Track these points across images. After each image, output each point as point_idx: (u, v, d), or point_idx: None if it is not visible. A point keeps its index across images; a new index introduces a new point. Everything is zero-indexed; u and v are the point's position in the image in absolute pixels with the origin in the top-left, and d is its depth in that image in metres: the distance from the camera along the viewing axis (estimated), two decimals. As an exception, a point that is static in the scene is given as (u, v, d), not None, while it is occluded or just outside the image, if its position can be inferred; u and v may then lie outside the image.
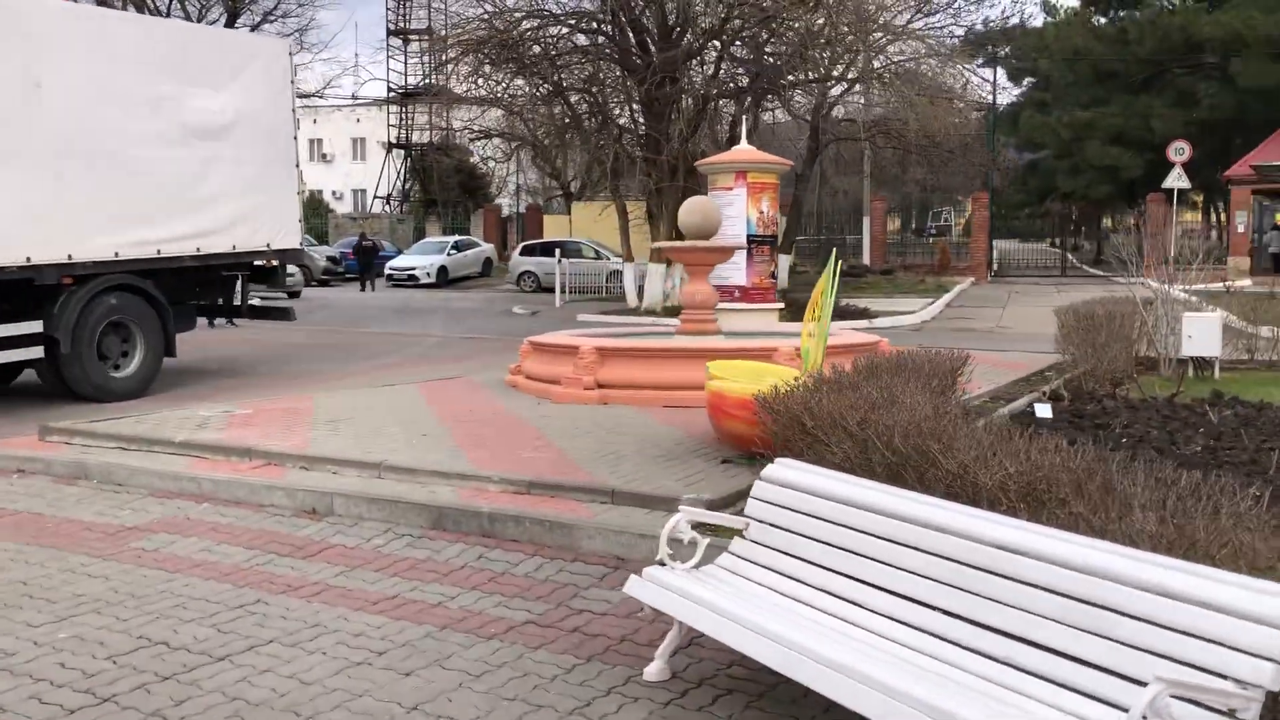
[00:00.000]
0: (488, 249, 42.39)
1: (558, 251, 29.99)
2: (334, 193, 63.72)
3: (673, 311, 23.32)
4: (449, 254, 39.06)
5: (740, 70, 24.00)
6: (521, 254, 36.51)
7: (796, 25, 22.87)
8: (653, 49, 23.02)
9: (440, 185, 49.49)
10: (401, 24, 51.71)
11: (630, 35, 23.39)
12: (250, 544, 6.52)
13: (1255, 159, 36.99)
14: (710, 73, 23.93)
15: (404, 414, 9.77)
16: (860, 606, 4.07)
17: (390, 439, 8.45)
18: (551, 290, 33.29)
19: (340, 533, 6.67)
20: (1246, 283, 25.72)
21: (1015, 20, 44.80)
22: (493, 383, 12.20)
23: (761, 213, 16.40)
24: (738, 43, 22.99)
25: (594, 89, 24.44)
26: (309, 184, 61.08)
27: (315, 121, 64.38)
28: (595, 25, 24.01)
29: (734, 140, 26.00)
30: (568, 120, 25.50)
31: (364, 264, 36.59)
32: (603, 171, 23.70)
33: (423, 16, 50.72)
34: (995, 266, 40.52)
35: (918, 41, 29.09)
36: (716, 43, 22.85)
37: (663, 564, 4.57)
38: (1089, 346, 12.05)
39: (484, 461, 7.54)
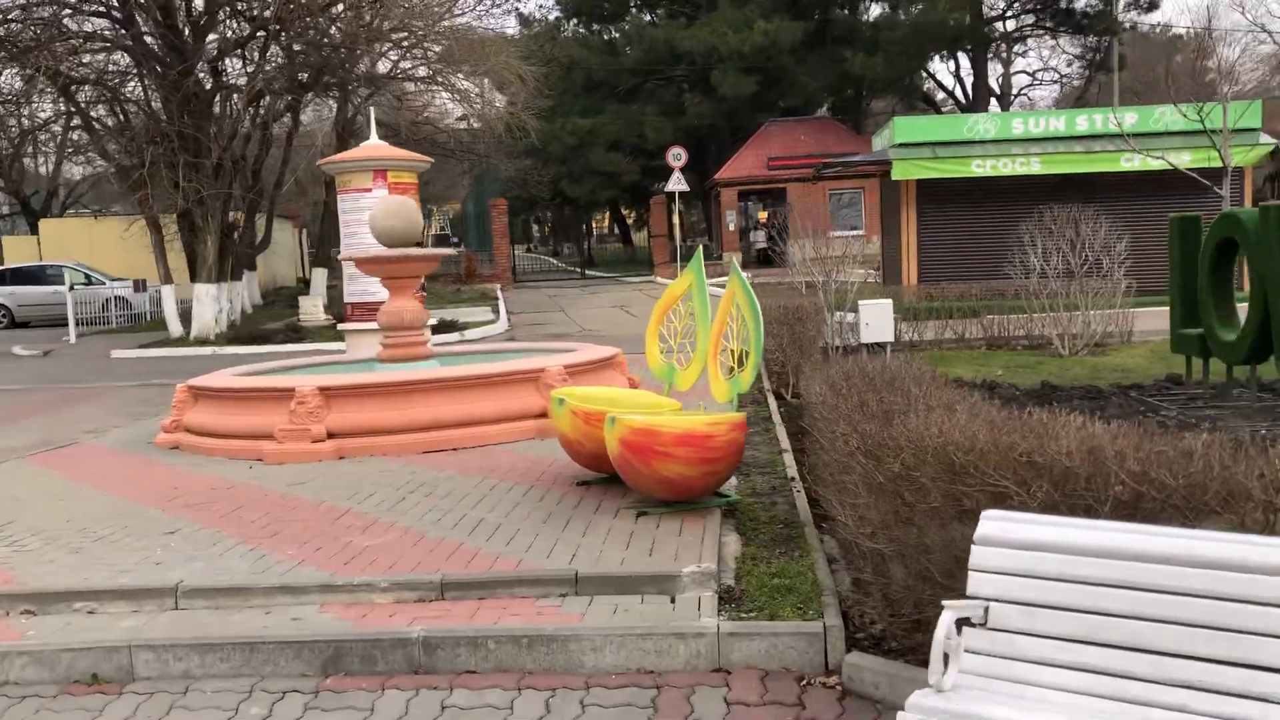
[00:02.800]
0: (-80, 283, 34.80)
1: (68, 277, 25.33)
2: None
3: (231, 339, 20.31)
4: None
5: (291, 62, 21.39)
6: (-15, 284, 30.55)
7: (352, 14, 20.84)
8: (184, 38, 19.76)
9: None
10: None
11: (152, 20, 19.85)
12: (35, 760, 3.95)
13: (735, 163, 40.62)
14: (255, 66, 21.02)
15: (84, 505, 6.94)
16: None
17: (123, 546, 5.82)
18: (28, 325, 29.71)
19: (178, 708, 4.27)
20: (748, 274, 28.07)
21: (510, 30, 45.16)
22: (138, 444, 9.37)
23: (406, 217, 14.38)
24: (290, 34, 20.39)
25: (114, 82, 20.52)
26: None
27: None
28: (105, 8, 20.12)
29: (265, 133, 23.33)
30: (71, 118, 21.32)
31: None
32: (132, 182, 19.88)
33: None
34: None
35: (448, 41, 28.22)
36: (263, 33, 20.09)
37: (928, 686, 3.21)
38: (796, 341, 11.99)
39: (321, 560, 5.34)
